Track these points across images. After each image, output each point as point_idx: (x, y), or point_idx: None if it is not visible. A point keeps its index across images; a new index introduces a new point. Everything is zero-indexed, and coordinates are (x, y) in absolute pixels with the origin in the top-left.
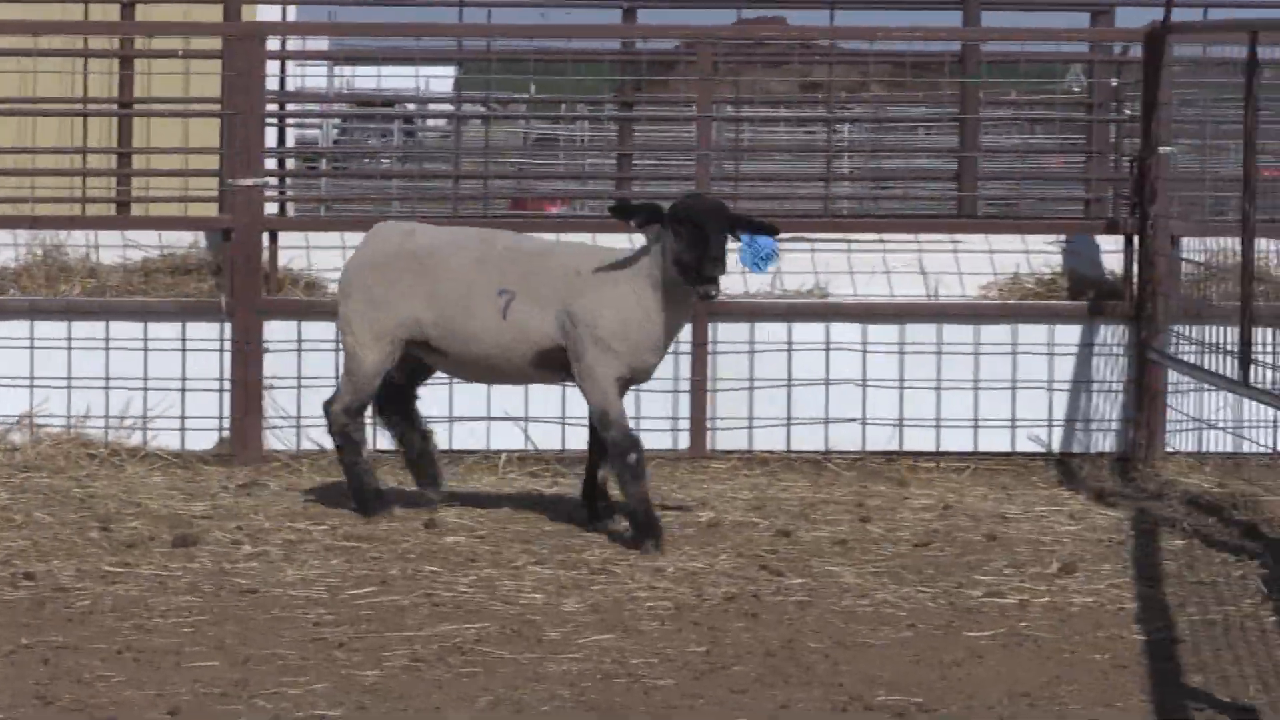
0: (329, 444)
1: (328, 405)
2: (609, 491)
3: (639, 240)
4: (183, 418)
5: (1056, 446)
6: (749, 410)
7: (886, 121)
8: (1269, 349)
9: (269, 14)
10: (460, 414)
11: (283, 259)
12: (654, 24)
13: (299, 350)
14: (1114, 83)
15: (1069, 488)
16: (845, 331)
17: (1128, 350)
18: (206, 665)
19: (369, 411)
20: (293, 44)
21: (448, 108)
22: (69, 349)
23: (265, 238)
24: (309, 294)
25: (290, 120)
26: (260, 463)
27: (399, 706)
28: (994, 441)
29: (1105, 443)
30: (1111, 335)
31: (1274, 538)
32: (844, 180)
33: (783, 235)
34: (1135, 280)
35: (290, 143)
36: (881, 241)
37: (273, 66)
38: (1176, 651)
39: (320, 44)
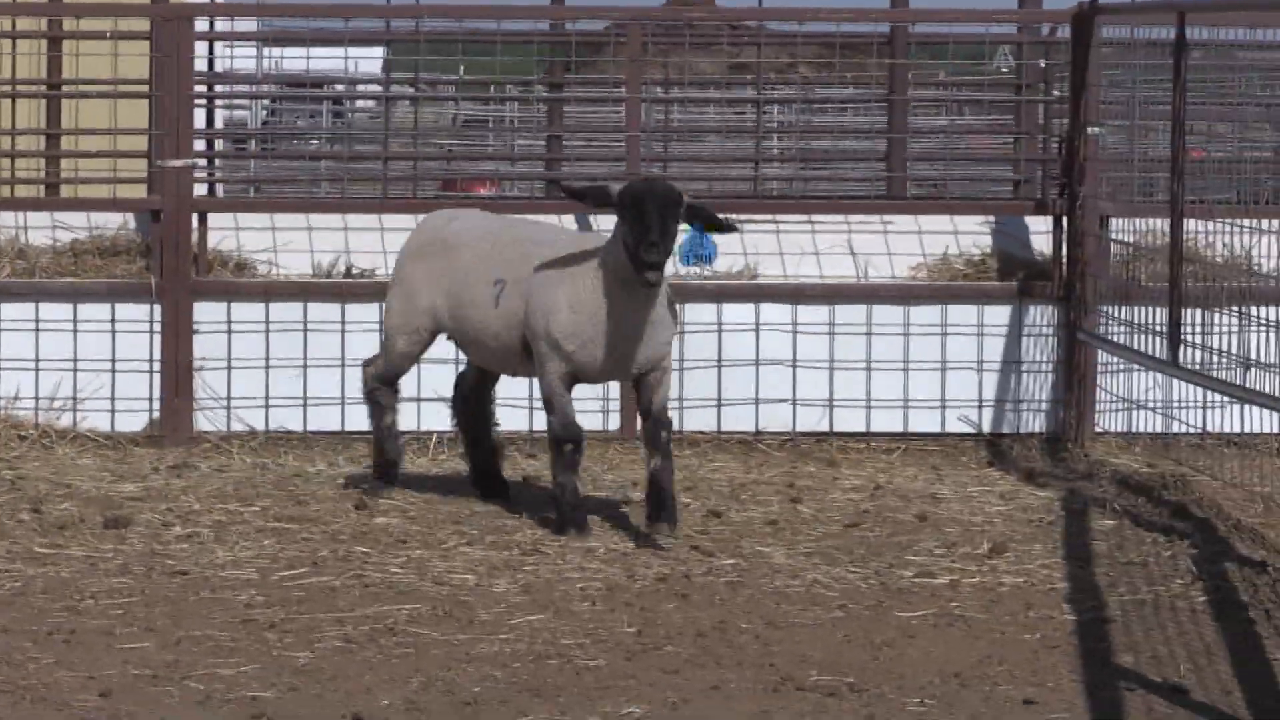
0: (259, 425)
1: (365, 364)
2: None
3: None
4: (113, 399)
5: (987, 427)
6: (679, 391)
7: (815, 103)
8: (1198, 329)
9: None
10: None
11: (212, 240)
12: (584, 5)
13: (229, 331)
14: (1042, 64)
15: (999, 468)
16: (775, 312)
17: (1057, 331)
18: (138, 647)
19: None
20: (221, 25)
21: (376, 89)
22: None
23: (194, 219)
24: (238, 275)
25: (219, 101)
26: (191, 444)
27: (331, 687)
28: (924, 422)
29: (1035, 423)
30: (1041, 316)
31: (1203, 518)
32: (773, 161)
33: None
34: (1064, 261)
35: (219, 124)
36: (811, 222)
37: (201, 48)
38: (1107, 631)
39: (249, 25)
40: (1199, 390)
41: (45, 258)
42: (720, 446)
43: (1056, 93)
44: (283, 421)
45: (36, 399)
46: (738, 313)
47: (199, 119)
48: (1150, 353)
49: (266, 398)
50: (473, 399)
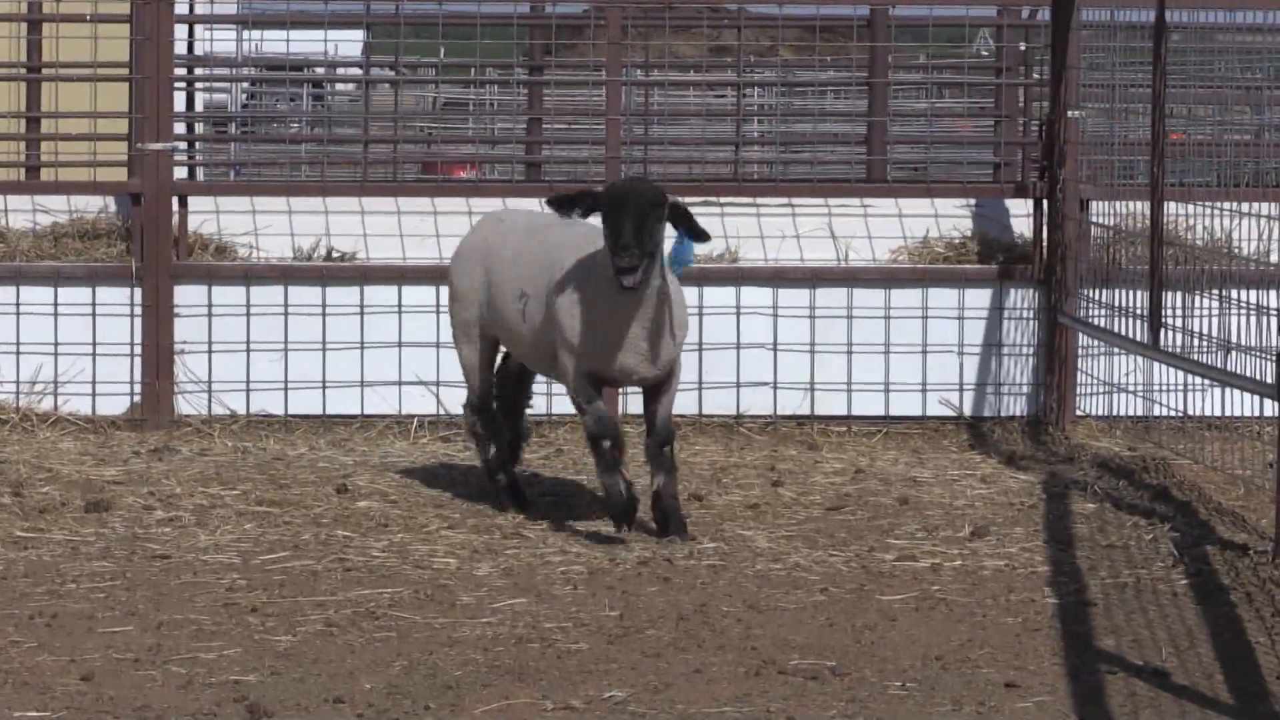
0: (240, 408)
1: (464, 405)
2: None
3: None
4: (94, 382)
5: (968, 410)
6: None
7: (796, 86)
8: (1179, 313)
9: None
10: (371, 379)
11: (192, 223)
12: None
13: (209, 315)
14: (1023, 46)
15: (980, 451)
16: (756, 296)
17: (1038, 314)
18: (120, 631)
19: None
20: (201, 8)
21: (357, 72)
22: None
23: (175, 202)
24: (219, 258)
25: (199, 84)
26: (172, 428)
27: (312, 671)
28: (905, 405)
29: (1016, 406)
30: (1022, 299)
31: (1185, 501)
32: (754, 144)
33: (693, 200)
34: (1045, 244)
35: (199, 107)
36: (791, 206)
37: (181, 31)
38: (1088, 615)
39: (229, 8)
40: (1180, 373)
41: (26, 241)
42: (701, 430)
43: (1037, 76)
44: (264, 405)
45: (17, 382)
46: (719, 296)
47: (179, 102)
48: (1131, 336)
49: (247, 381)
50: (513, 382)
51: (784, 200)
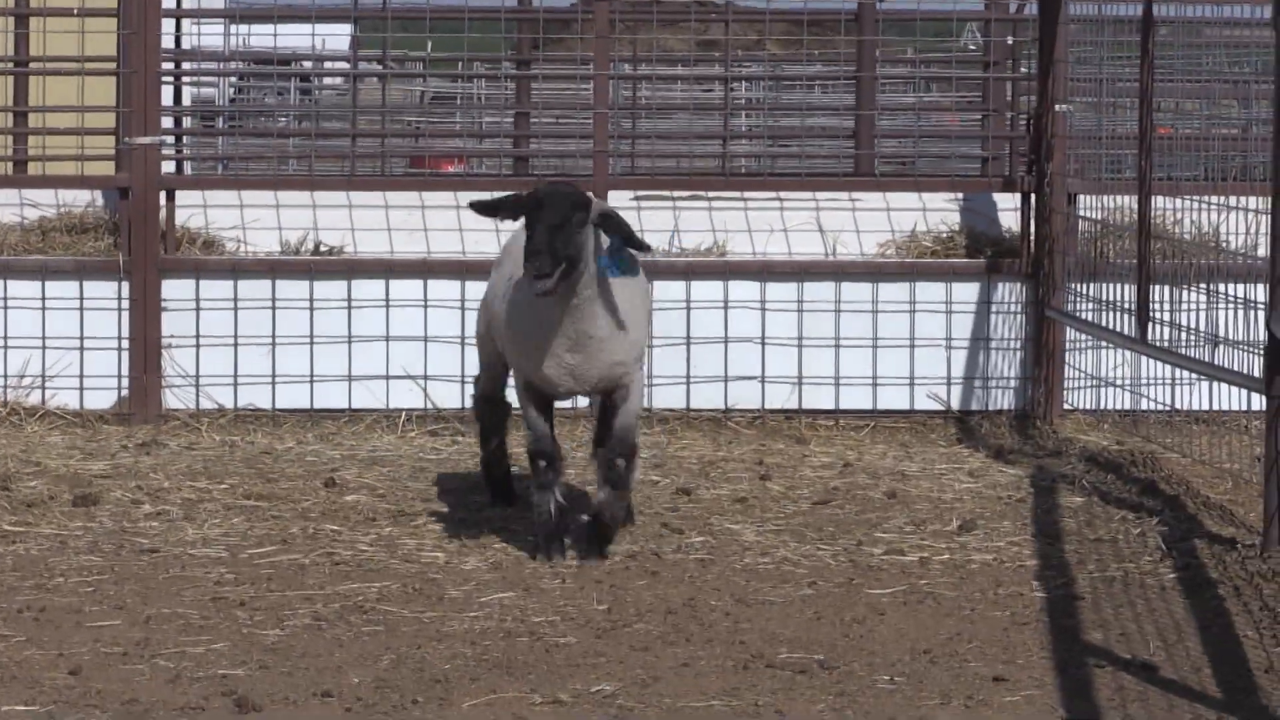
0: (228, 402)
1: (473, 395)
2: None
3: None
4: (81, 377)
5: (955, 404)
6: (648, 368)
7: (783, 79)
8: (1166, 307)
9: None
10: (359, 373)
11: (180, 217)
12: None
13: (197, 309)
14: (1010, 40)
15: (968, 445)
16: (744, 289)
17: (1026, 308)
18: (107, 624)
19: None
20: (189, 2)
21: (344, 66)
22: None
23: (162, 196)
24: (207, 252)
25: (187, 78)
26: (159, 422)
27: (301, 665)
28: (893, 399)
29: (1004, 400)
30: (1009, 293)
31: (1172, 495)
32: (741, 138)
33: (681, 194)
34: (1033, 238)
35: (187, 101)
36: (779, 200)
37: (169, 24)
38: (1076, 608)
39: (216, 2)
40: (1167, 367)
41: (13, 235)
42: (689, 424)
43: (1024, 70)
44: (251, 399)
45: (5, 376)
46: (706, 290)
47: (166, 96)
48: (1119, 330)
49: (235, 375)
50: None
51: (772, 194)
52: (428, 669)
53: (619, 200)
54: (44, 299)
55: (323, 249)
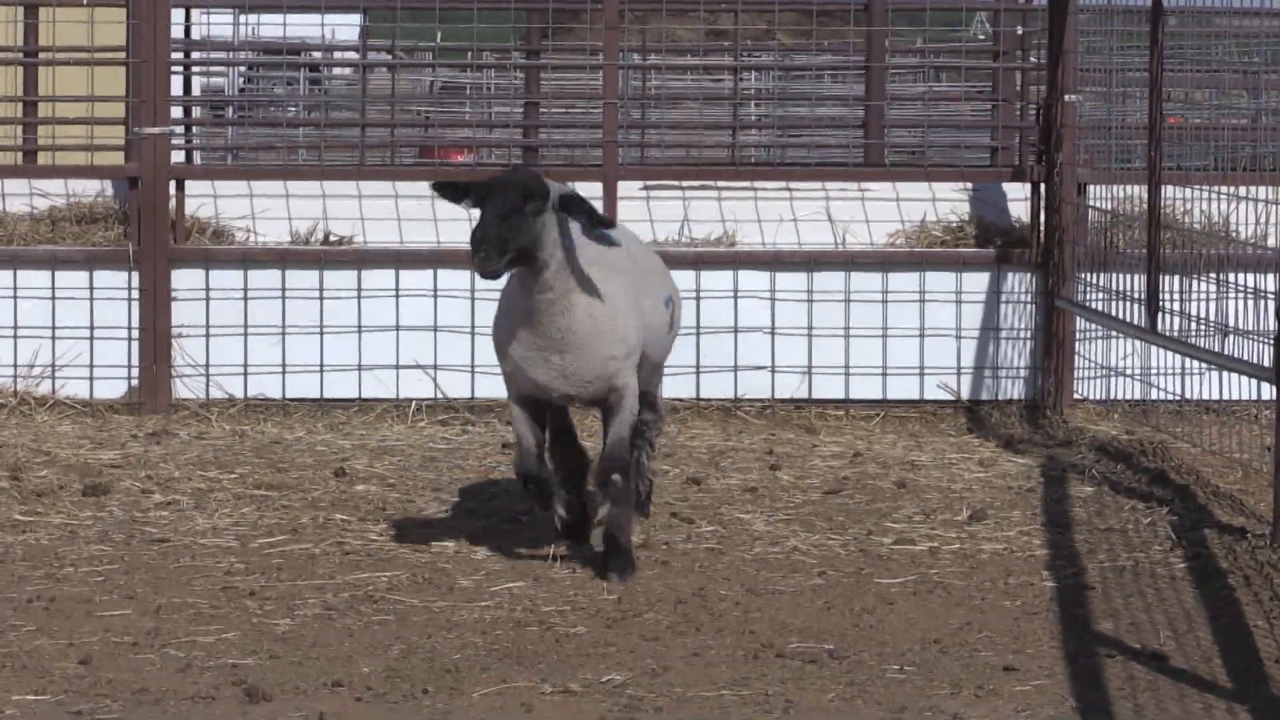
0: (238, 392)
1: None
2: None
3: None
4: (91, 366)
5: (965, 394)
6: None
7: (793, 69)
8: (1176, 296)
9: None
10: (369, 363)
11: (190, 207)
12: None
13: (207, 299)
14: (1020, 30)
15: (978, 435)
16: (754, 279)
17: (1035, 298)
18: (118, 614)
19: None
20: None
21: (354, 56)
22: None
23: (172, 186)
24: (216, 242)
25: (196, 68)
26: (169, 412)
27: (311, 655)
28: (903, 389)
29: (1014, 390)
30: (1019, 283)
31: (1182, 484)
32: (751, 128)
33: (691, 184)
34: (1042, 228)
35: (196, 91)
36: (789, 189)
37: (178, 14)
38: (1087, 598)
39: None
40: (1177, 357)
41: (23, 225)
42: (699, 413)
43: (1034, 60)
44: (261, 389)
45: (15, 366)
46: (716, 280)
47: (176, 86)
48: (1129, 320)
49: (245, 365)
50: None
51: (781, 184)
52: (438, 658)
53: (628, 190)
54: (54, 289)
55: (332, 239)
